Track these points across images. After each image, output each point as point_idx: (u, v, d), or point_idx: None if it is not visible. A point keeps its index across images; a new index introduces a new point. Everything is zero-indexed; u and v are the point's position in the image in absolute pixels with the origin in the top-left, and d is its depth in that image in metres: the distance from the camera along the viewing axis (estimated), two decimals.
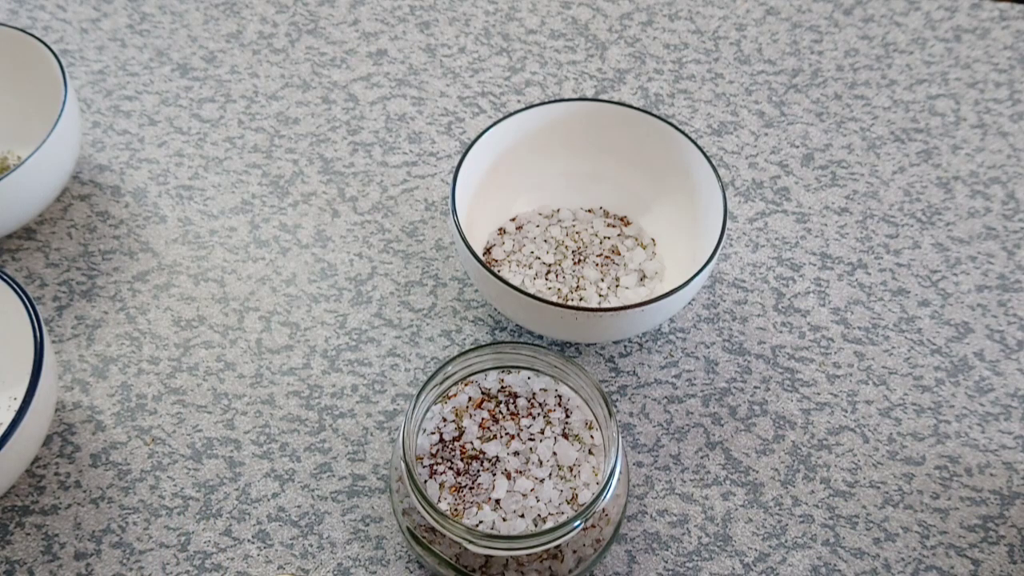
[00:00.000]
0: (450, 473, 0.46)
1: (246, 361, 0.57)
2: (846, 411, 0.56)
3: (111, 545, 0.50)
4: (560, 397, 0.49)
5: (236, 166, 0.67)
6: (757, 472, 0.54)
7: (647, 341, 0.59)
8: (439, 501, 0.46)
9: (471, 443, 0.47)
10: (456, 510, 0.45)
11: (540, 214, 0.62)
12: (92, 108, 0.70)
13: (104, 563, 0.49)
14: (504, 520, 0.45)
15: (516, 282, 0.58)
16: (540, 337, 0.59)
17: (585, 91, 0.72)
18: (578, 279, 0.58)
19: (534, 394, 0.49)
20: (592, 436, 0.48)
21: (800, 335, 0.59)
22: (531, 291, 0.55)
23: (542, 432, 0.48)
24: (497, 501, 0.46)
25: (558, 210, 0.63)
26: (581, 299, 0.57)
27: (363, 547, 0.50)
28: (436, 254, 0.63)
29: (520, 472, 0.47)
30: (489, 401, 0.49)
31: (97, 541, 0.50)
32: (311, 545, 0.50)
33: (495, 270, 0.58)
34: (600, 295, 0.58)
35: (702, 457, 0.54)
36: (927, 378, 0.58)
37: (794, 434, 0.55)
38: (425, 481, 0.46)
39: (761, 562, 0.50)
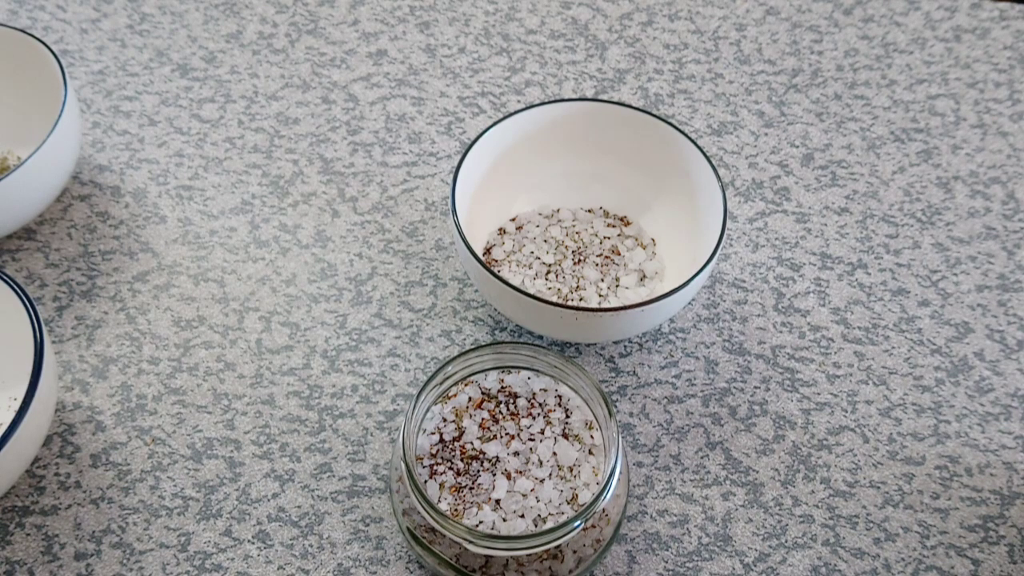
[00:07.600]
0: (450, 473, 0.46)
1: (246, 361, 0.57)
2: (846, 411, 0.56)
3: (111, 545, 0.50)
4: (560, 397, 0.49)
5: (236, 166, 0.67)
6: (757, 472, 0.54)
7: (647, 341, 0.59)
8: (439, 501, 0.46)
9: (471, 443, 0.47)
10: (456, 510, 0.45)
11: (540, 214, 0.62)
12: (92, 108, 0.70)
13: (104, 563, 0.49)
14: (504, 520, 0.45)
15: (516, 282, 0.58)
16: (540, 337, 0.59)
17: (585, 91, 0.72)
18: (578, 279, 0.58)
19: (534, 394, 0.49)
20: (592, 436, 0.48)
21: (800, 335, 0.59)
22: (531, 291, 0.55)
23: (542, 432, 0.48)
24: (497, 501, 0.46)
25: (558, 210, 0.63)
26: (581, 299, 0.57)
27: (363, 547, 0.50)
28: (436, 254, 0.63)
29: (520, 472, 0.47)
30: (489, 401, 0.49)
31: (97, 541, 0.50)
32: (311, 545, 0.50)
33: (495, 270, 0.58)
34: (600, 295, 0.58)
35: (702, 457, 0.54)
36: (927, 378, 0.58)
37: (794, 434, 0.55)
38: (425, 481, 0.46)
39: (761, 562, 0.50)
